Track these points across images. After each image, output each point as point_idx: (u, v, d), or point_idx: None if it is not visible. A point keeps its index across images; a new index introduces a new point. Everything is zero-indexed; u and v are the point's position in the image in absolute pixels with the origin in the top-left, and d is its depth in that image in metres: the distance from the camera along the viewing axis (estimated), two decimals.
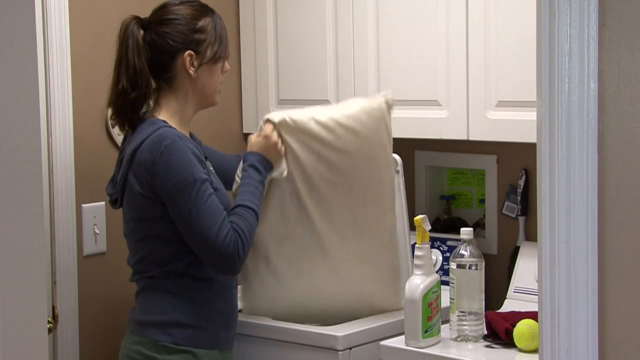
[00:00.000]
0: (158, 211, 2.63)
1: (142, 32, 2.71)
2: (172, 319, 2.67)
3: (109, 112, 2.81)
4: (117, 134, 3.20)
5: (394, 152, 2.96)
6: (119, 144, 3.20)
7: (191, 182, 2.58)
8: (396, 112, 3.16)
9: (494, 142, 3.05)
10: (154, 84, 2.74)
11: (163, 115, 2.70)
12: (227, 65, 2.80)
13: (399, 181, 2.97)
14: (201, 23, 2.73)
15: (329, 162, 2.83)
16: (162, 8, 2.76)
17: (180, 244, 2.65)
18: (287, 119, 2.81)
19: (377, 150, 2.88)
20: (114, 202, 2.75)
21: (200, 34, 2.72)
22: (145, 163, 2.60)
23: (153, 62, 2.71)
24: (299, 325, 2.85)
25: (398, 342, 2.74)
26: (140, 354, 2.67)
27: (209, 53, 2.73)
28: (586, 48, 1.77)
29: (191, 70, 2.70)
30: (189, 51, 2.70)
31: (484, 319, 2.76)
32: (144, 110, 2.73)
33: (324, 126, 2.83)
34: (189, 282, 2.68)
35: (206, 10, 2.77)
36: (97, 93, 3.16)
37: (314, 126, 2.82)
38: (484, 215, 3.32)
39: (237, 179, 2.78)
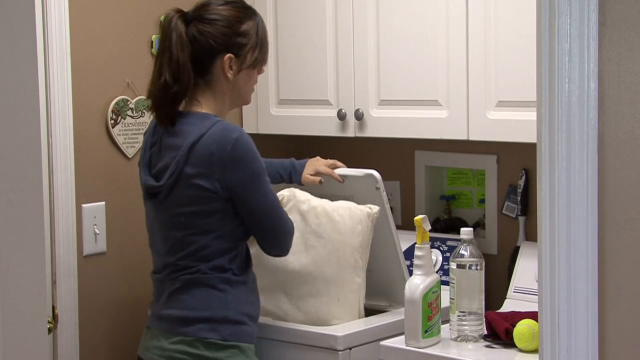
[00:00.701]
0: (218, 205, 2.63)
1: (184, 26, 2.68)
2: (219, 315, 2.65)
3: (149, 103, 2.74)
4: (117, 134, 3.20)
5: (374, 169, 3.01)
6: (119, 144, 3.21)
7: (262, 171, 2.65)
8: (396, 112, 3.16)
9: (494, 142, 3.05)
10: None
11: (205, 110, 2.71)
12: (264, 68, 2.82)
13: (382, 197, 2.97)
14: (244, 27, 2.72)
15: (308, 238, 2.93)
16: (206, 5, 2.73)
17: (231, 239, 2.67)
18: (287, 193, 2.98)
19: (346, 249, 2.90)
20: (154, 196, 2.70)
21: (243, 37, 2.71)
22: (212, 157, 2.59)
23: (193, 58, 2.69)
24: (299, 325, 2.85)
25: (398, 342, 2.74)
26: (185, 354, 2.63)
27: (249, 58, 2.74)
28: (586, 48, 1.77)
29: (229, 74, 2.71)
30: (229, 54, 2.70)
31: (484, 319, 2.76)
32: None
33: (313, 210, 2.93)
34: (232, 278, 2.68)
35: (249, 13, 2.76)
36: (97, 93, 3.17)
37: (304, 208, 2.94)
38: (484, 215, 3.32)
39: None
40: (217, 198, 2.62)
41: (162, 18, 2.70)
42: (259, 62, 2.77)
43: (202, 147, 2.60)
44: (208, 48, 2.68)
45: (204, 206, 2.63)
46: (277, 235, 2.72)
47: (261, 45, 2.76)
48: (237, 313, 2.67)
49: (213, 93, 2.72)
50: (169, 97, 2.66)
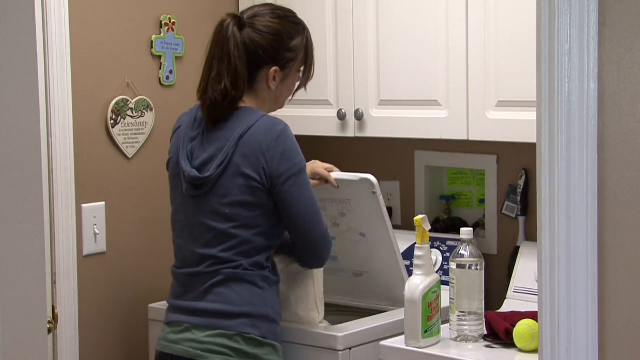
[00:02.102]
0: (263, 198, 2.65)
1: (239, 32, 2.71)
2: (259, 311, 2.65)
3: (200, 103, 2.75)
4: (117, 134, 3.21)
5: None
6: (119, 144, 3.21)
7: (303, 167, 2.68)
8: (396, 112, 3.16)
9: (494, 142, 3.05)
10: None
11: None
12: (308, 83, 2.87)
13: (378, 201, 2.96)
14: (294, 43, 2.76)
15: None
16: (259, 16, 2.76)
17: (270, 237, 2.68)
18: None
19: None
20: (197, 187, 2.69)
21: (291, 53, 2.76)
22: (260, 146, 2.63)
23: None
24: (299, 325, 2.85)
25: (398, 342, 2.74)
26: (225, 347, 2.63)
27: (293, 72, 2.79)
28: (586, 48, 1.77)
29: (272, 85, 2.75)
30: (275, 67, 2.74)
31: (484, 319, 2.76)
32: None
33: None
34: (270, 277, 2.70)
35: (300, 29, 2.80)
36: (97, 93, 3.17)
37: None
38: (484, 215, 3.32)
39: None
40: (262, 190, 2.65)
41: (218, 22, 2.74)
42: (304, 79, 2.83)
43: (250, 137, 2.65)
44: (255, 57, 2.72)
45: (250, 197, 2.65)
46: (316, 238, 2.71)
47: (306, 60, 2.81)
48: (274, 312, 2.69)
49: (256, 97, 2.76)
50: (226, 102, 2.70)
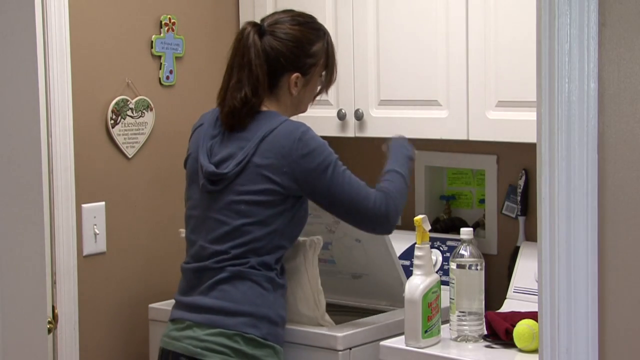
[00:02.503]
0: (280, 199, 2.67)
1: (259, 40, 2.75)
2: (261, 312, 2.66)
3: (222, 108, 2.77)
4: (117, 134, 3.21)
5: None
6: (119, 144, 3.21)
7: (333, 159, 2.70)
8: (396, 112, 3.16)
9: (494, 142, 3.05)
10: None
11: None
12: (329, 88, 2.92)
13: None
14: (314, 49, 2.80)
15: None
16: (279, 23, 2.79)
17: (283, 237, 2.70)
18: None
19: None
20: (214, 183, 2.71)
21: (311, 58, 2.80)
22: (282, 149, 2.66)
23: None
24: (299, 325, 2.85)
25: (398, 342, 2.74)
26: (224, 347, 2.63)
27: (315, 77, 2.82)
28: (586, 48, 1.77)
29: (294, 90, 2.78)
30: (296, 73, 2.77)
31: (484, 319, 2.76)
32: None
33: None
34: (276, 279, 2.70)
35: (320, 34, 2.84)
36: (97, 93, 3.17)
37: None
38: (484, 215, 3.32)
39: None
40: (281, 192, 2.66)
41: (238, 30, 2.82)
42: (326, 84, 2.87)
43: (272, 140, 2.67)
44: (276, 65, 2.75)
45: (267, 197, 2.67)
46: (359, 218, 2.75)
47: (327, 65, 2.85)
48: (276, 314, 2.69)
49: (277, 102, 2.79)
50: (245, 109, 2.73)
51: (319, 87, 2.86)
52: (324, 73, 2.84)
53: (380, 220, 2.75)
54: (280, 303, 2.71)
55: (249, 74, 2.72)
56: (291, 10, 2.87)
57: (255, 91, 2.72)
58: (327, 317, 2.86)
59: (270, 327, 2.66)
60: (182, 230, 3.02)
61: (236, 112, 2.73)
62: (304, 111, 2.89)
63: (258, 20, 2.84)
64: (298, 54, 2.77)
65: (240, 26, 2.80)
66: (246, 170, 2.68)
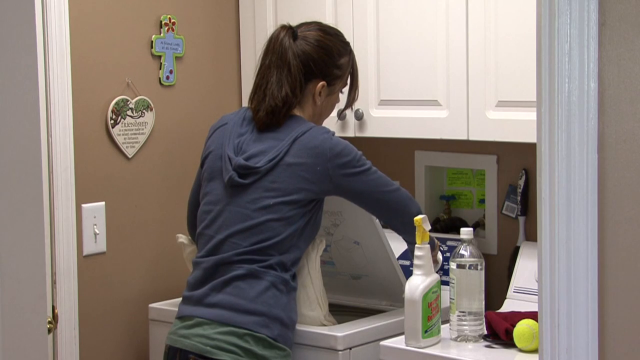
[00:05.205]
0: (307, 201, 2.71)
1: (293, 43, 2.82)
2: (274, 313, 2.66)
3: (253, 109, 2.83)
4: (117, 134, 3.21)
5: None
6: (119, 144, 3.21)
7: (362, 157, 2.78)
8: (396, 112, 3.16)
9: (494, 142, 3.05)
10: None
11: None
12: (352, 106, 3.02)
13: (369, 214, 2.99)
14: (342, 61, 2.89)
15: None
16: (312, 31, 2.86)
17: (302, 238, 2.73)
18: None
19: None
20: (242, 177, 2.74)
21: (339, 70, 2.88)
22: (316, 149, 2.72)
23: None
24: (299, 325, 2.85)
25: (398, 342, 2.74)
26: (234, 346, 2.62)
27: (338, 89, 2.90)
28: (586, 48, 1.77)
29: (318, 99, 2.85)
30: (323, 82, 2.84)
31: (484, 319, 2.76)
32: None
33: None
34: (290, 282, 2.72)
35: (348, 49, 2.93)
36: (97, 93, 3.17)
37: None
38: (484, 215, 3.32)
39: None
40: (312, 190, 2.71)
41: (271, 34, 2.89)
42: (350, 99, 2.96)
43: (306, 141, 2.74)
44: (306, 70, 2.82)
45: (296, 196, 2.71)
46: (405, 212, 2.81)
47: (354, 82, 2.94)
48: (288, 317, 2.70)
49: (301, 108, 2.84)
50: (286, 108, 2.79)
51: (338, 103, 2.94)
52: (345, 89, 2.92)
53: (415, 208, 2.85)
54: (292, 306, 2.72)
55: (287, 74, 2.79)
56: (319, 22, 2.93)
57: (294, 91, 2.79)
58: (330, 316, 2.87)
59: (281, 328, 2.67)
60: (180, 236, 3.02)
61: (277, 110, 2.78)
62: (320, 125, 2.92)
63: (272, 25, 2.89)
64: (327, 62, 2.84)
65: (273, 30, 2.87)
66: (277, 167, 2.72)
